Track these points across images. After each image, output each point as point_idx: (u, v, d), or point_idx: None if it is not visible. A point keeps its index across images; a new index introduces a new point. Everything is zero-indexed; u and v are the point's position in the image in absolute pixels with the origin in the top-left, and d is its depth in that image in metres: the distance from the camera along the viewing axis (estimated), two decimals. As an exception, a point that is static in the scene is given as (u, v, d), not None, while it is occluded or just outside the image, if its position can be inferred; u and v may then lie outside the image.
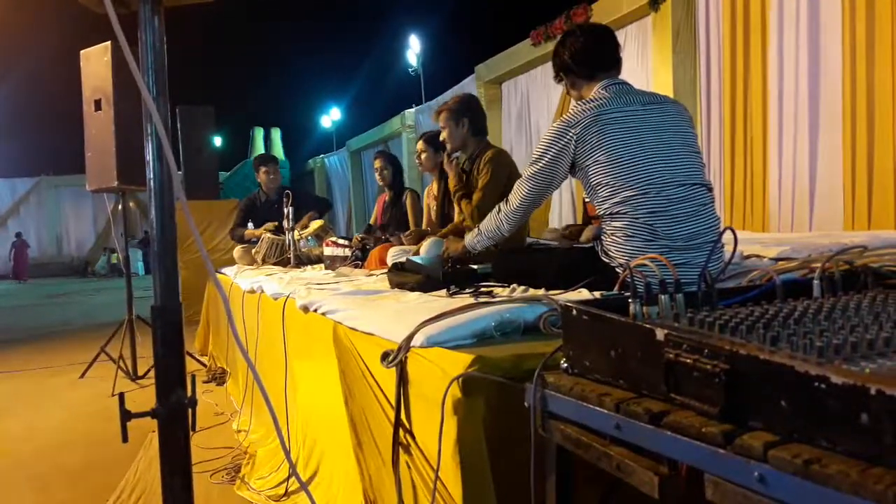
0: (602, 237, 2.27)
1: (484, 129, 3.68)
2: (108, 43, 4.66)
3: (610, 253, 2.21)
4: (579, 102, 2.33)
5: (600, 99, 2.28)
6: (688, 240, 2.16)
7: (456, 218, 3.80)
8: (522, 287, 2.20)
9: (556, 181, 2.36)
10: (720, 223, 2.29)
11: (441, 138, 3.67)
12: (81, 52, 4.87)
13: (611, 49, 2.45)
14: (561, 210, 8.33)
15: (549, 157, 2.29)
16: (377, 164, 5.18)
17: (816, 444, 0.74)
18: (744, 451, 0.79)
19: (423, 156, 4.29)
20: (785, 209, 5.19)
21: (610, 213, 2.22)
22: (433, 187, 4.39)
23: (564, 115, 2.31)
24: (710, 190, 2.31)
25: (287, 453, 1.39)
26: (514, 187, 2.45)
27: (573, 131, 2.23)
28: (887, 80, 4.35)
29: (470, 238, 2.67)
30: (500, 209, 2.51)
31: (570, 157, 2.27)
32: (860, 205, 4.55)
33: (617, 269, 2.15)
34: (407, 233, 4.08)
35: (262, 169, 5.75)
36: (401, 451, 1.63)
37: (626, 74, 2.46)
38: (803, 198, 5.06)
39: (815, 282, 1.26)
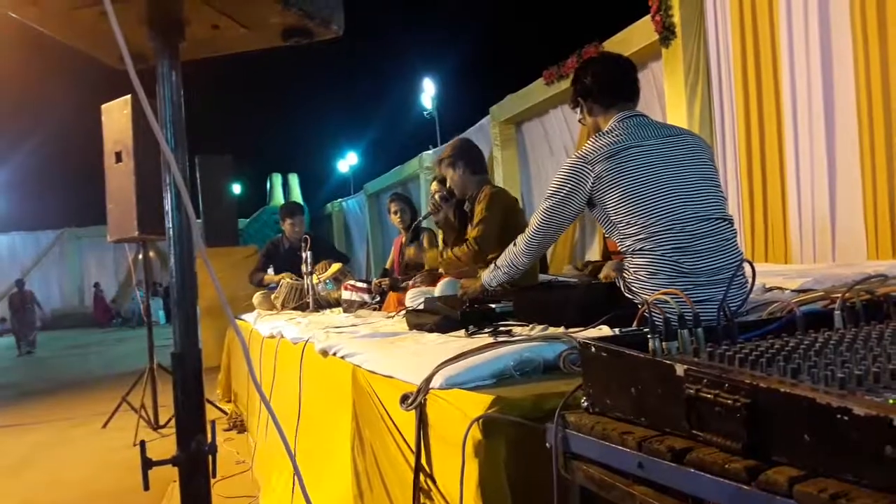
0: (624, 274, 2.23)
1: (482, 167, 3.69)
2: (129, 96, 4.76)
3: (633, 289, 2.17)
4: (594, 137, 2.30)
5: (616, 133, 2.25)
6: (711, 275, 2.11)
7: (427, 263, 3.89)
8: (542, 326, 2.19)
9: (571, 216, 2.32)
10: (742, 257, 2.24)
11: (448, 187, 3.69)
12: (102, 106, 4.97)
13: (632, 79, 2.44)
14: (584, 245, 8.30)
15: (563, 192, 2.27)
16: (393, 206, 5.19)
17: (842, 477, 0.73)
18: (769, 487, 0.77)
19: (438, 196, 4.31)
20: (807, 240, 5.14)
21: (633, 251, 2.18)
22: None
23: (580, 150, 2.29)
24: (732, 224, 2.27)
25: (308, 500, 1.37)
26: (531, 221, 2.42)
27: (589, 168, 2.21)
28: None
29: (487, 274, 2.61)
30: (515, 243, 2.47)
31: (586, 194, 2.24)
32: (882, 233, 4.50)
33: (638, 304, 2.12)
34: (419, 275, 4.07)
35: (289, 221, 5.78)
36: (421, 496, 1.61)
37: (642, 109, 2.46)
38: (825, 228, 5.00)
39: (837, 313, 1.25)
